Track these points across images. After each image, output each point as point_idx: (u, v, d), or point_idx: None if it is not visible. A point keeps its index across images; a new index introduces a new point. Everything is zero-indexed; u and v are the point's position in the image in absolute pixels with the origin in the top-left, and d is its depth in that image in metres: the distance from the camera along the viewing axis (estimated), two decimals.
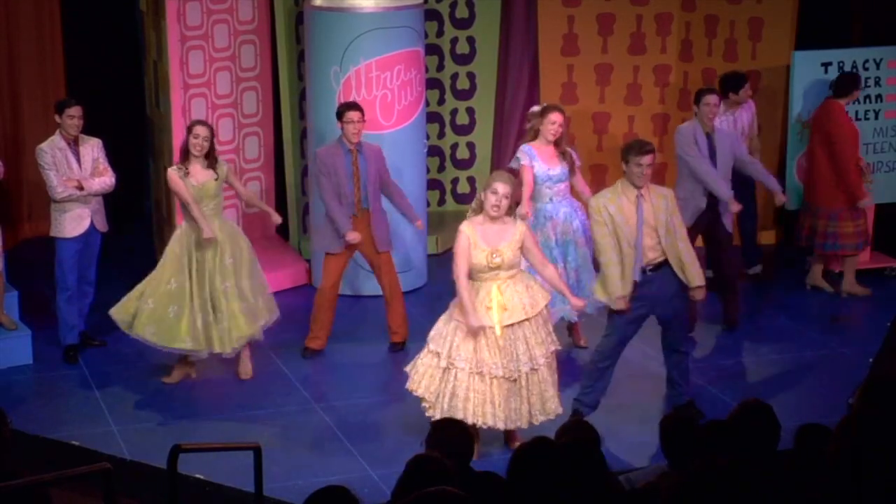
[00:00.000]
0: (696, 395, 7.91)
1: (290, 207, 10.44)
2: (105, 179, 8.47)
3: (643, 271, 7.35)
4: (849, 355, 8.60)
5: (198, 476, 6.98)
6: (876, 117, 10.07)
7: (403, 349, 8.65)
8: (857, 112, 9.97)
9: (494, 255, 6.94)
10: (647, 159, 7.20)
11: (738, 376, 8.38)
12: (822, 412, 6.66)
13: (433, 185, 11.16)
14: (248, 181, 10.46)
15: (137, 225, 10.71)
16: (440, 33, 11.27)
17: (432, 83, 11.00)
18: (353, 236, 8.39)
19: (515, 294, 7.01)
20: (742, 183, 9.21)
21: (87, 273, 8.59)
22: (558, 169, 8.38)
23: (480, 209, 7.04)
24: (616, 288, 7.30)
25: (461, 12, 11.32)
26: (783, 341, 8.94)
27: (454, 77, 11.42)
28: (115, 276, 8.87)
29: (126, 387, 8.25)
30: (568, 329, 8.70)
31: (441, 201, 11.51)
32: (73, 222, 8.42)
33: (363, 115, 8.47)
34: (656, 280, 7.37)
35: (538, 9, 11.05)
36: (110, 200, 8.89)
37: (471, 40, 11.39)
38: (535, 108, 8.58)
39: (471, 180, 11.55)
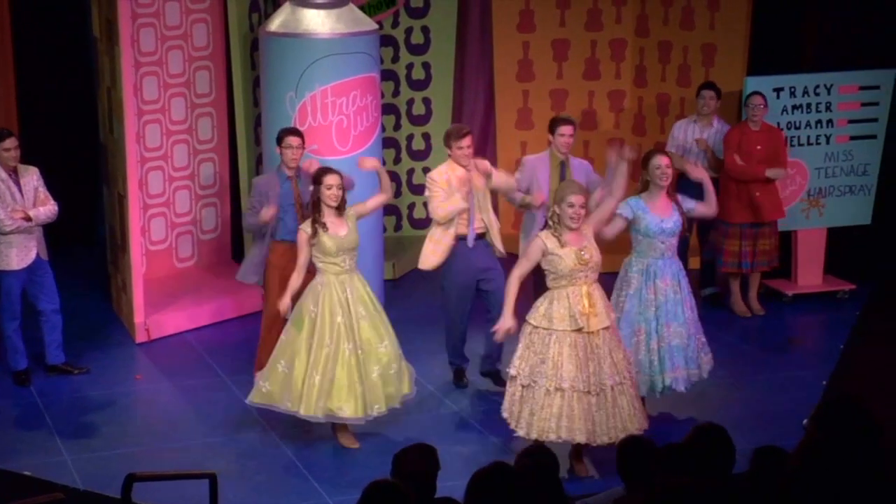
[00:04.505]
0: (652, 418, 7.94)
1: (245, 233, 10.38)
2: (50, 208, 8.39)
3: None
4: (804, 377, 8.65)
5: None
6: (827, 142, 10.16)
7: None
8: (808, 137, 10.08)
9: (583, 252, 6.95)
10: (465, 141, 8.03)
11: (694, 399, 8.39)
12: (777, 434, 6.69)
13: (389, 210, 11.15)
14: (205, 207, 10.41)
15: (90, 251, 10.60)
16: (396, 59, 11.28)
17: (388, 108, 11.01)
18: (270, 213, 8.01)
19: (600, 299, 7.06)
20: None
21: (51, 301, 8.52)
22: (672, 220, 7.53)
23: (557, 222, 6.98)
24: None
25: (417, 38, 11.35)
26: (737, 364, 8.97)
27: (410, 102, 11.44)
28: (65, 301, 8.77)
29: (79, 416, 8.16)
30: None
31: (398, 227, 11.49)
32: (21, 254, 8.34)
33: (303, 140, 8.43)
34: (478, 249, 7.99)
35: (493, 35, 11.10)
36: (61, 226, 8.81)
37: (426, 66, 11.42)
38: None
39: (427, 205, 11.53)
